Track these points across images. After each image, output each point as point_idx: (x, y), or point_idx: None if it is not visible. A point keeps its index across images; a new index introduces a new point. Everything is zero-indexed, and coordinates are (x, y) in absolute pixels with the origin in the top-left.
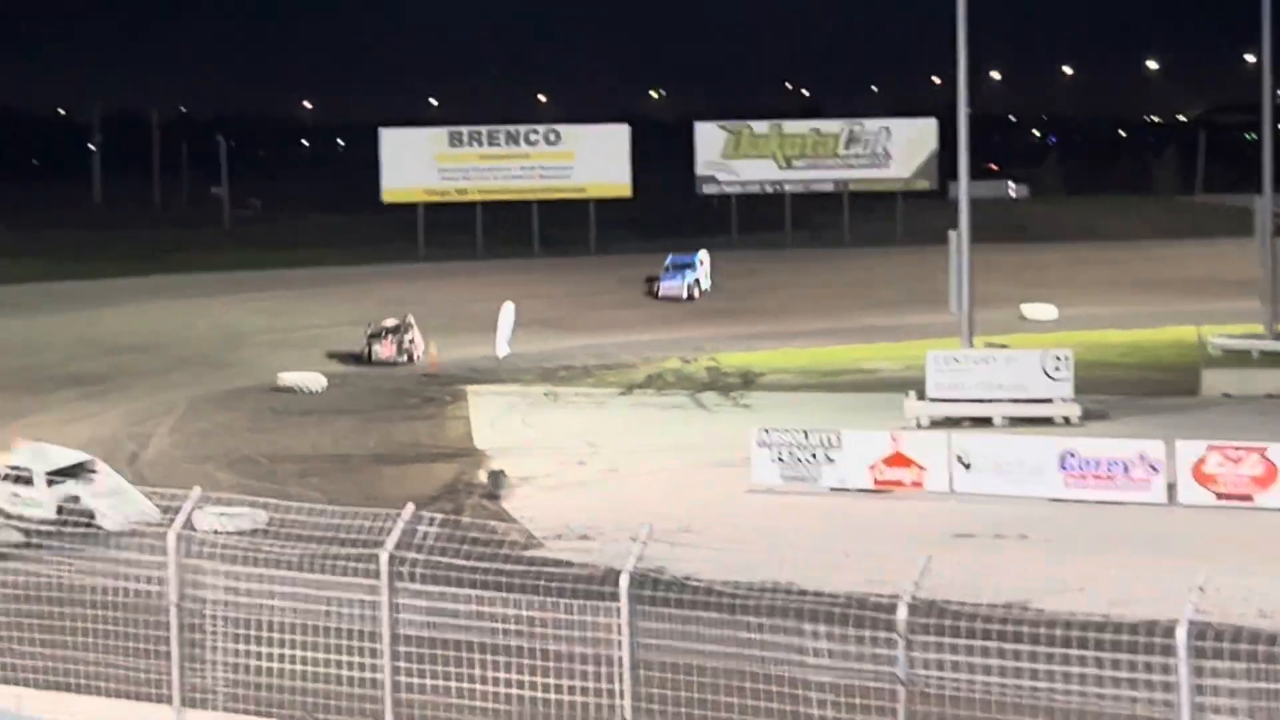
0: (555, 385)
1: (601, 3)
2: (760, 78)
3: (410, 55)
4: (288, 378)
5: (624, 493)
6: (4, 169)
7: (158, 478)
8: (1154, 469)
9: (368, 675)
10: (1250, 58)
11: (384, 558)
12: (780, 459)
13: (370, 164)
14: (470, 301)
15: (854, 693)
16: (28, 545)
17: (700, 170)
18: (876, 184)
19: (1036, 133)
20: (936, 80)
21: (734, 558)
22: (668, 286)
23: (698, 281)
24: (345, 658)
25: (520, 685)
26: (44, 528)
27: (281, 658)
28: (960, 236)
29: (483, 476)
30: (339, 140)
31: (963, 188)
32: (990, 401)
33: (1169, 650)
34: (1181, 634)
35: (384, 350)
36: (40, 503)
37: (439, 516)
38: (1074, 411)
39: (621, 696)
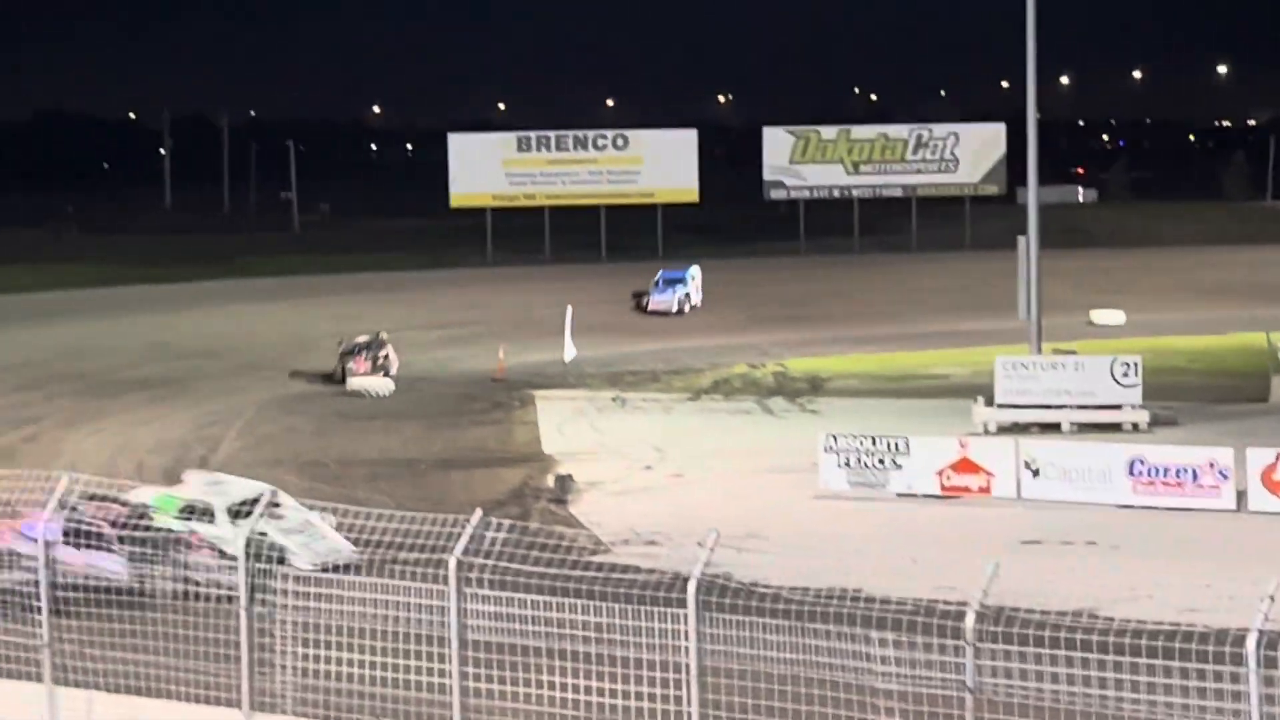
0: (623, 390)
1: (670, 8)
2: (828, 83)
3: (479, 61)
4: (355, 382)
5: (691, 498)
6: (76, 174)
7: None
8: (1223, 476)
9: (435, 680)
10: None
11: (452, 563)
12: (847, 464)
13: (439, 169)
14: (537, 306)
15: (921, 700)
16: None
17: (768, 175)
18: (944, 189)
19: (1105, 138)
20: (1005, 85)
21: (801, 563)
22: (657, 300)
23: (688, 296)
24: (413, 663)
25: (587, 691)
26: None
27: (350, 663)
28: (1029, 242)
29: (550, 481)
30: (408, 145)
31: (1031, 193)
32: (1058, 407)
33: (1239, 659)
34: (1252, 643)
35: (358, 368)
36: (225, 541)
37: (507, 522)
38: (1143, 418)
39: (688, 703)
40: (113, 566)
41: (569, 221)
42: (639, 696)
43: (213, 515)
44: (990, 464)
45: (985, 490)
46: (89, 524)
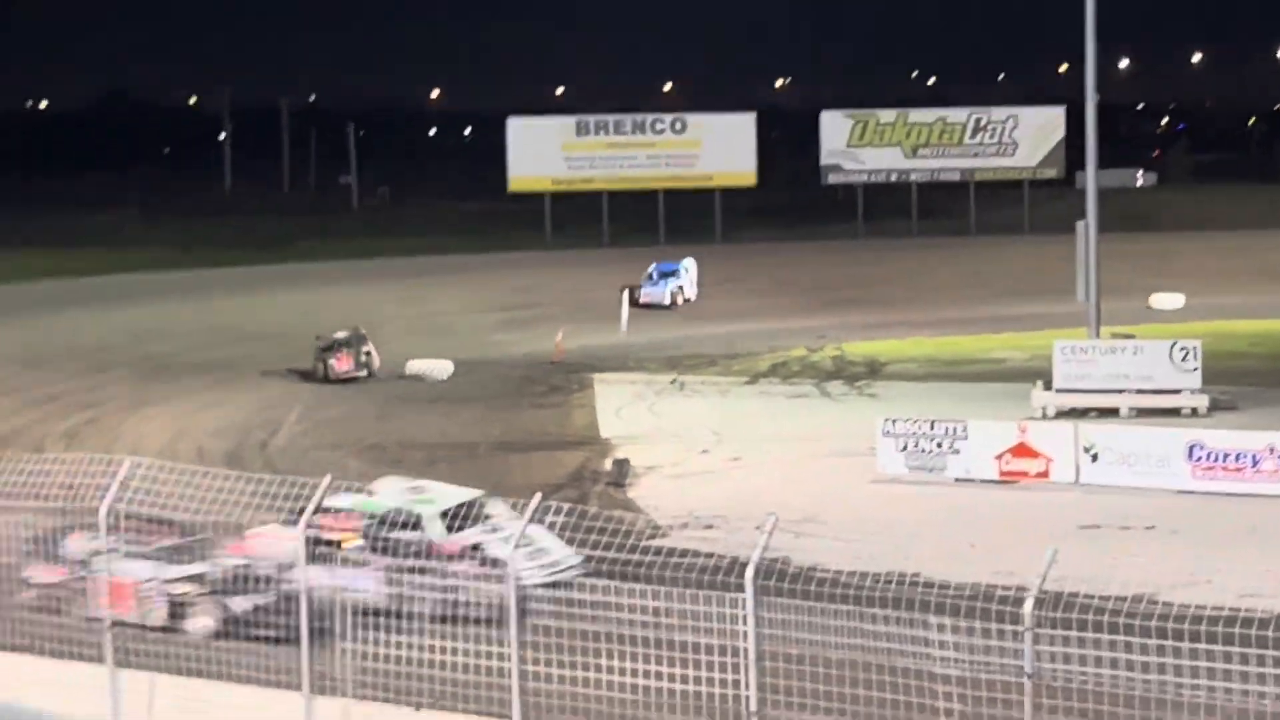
0: (681, 374)
1: None
2: (886, 66)
3: (537, 44)
4: (415, 365)
5: (748, 482)
6: (138, 158)
7: (288, 465)
8: None
9: (494, 664)
10: None
11: (509, 549)
12: (905, 449)
13: (497, 153)
14: (595, 289)
15: (980, 685)
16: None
17: (825, 159)
18: (1003, 173)
19: (1165, 120)
20: (1064, 68)
21: (858, 548)
22: (649, 293)
23: (681, 289)
24: (473, 645)
25: (646, 675)
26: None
27: (410, 645)
28: (1088, 225)
29: (608, 465)
30: (466, 129)
31: (1090, 176)
32: (1117, 392)
33: None
34: None
35: (340, 364)
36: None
37: (565, 505)
38: (1202, 402)
39: (746, 687)
40: (366, 585)
41: (627, 205)
42: (696, 681)
43: (419, 525)
44: (1049, 449)
45: (1044, 475)
46: (331, 536)
